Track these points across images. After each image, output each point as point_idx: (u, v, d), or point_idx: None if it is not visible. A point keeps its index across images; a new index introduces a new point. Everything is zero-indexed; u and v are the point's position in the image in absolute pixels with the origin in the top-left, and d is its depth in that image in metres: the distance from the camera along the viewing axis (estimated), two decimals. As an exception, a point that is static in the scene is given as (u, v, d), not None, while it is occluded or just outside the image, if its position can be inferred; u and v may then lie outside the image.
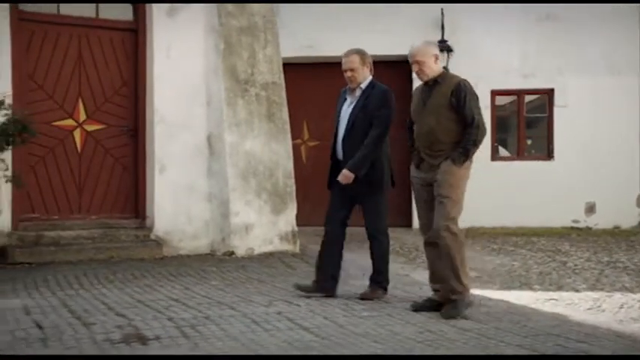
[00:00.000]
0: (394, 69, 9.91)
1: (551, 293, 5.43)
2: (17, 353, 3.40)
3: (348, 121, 4.86)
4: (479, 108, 4.46)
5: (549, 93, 10.12)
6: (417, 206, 4.73)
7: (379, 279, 4.96)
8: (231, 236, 6.75)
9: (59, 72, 6.74)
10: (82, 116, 6.83)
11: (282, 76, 7.36)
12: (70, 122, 6.77)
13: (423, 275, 6.22)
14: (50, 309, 4.36)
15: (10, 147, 5.95)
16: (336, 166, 4.96)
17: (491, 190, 9.89)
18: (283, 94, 7.33)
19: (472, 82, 9.85)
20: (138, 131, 6.98)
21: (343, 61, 4.94)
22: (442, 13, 9.89)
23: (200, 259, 6.66)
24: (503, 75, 10.09)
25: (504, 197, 9.85)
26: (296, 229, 7.25)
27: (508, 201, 9.84)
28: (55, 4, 6.73)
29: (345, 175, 4.78)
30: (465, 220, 9.55)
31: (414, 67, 4.55)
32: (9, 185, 6.23)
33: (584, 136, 10.00)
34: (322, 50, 9.48)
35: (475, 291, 5.37)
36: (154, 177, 6.84)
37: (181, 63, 6.92)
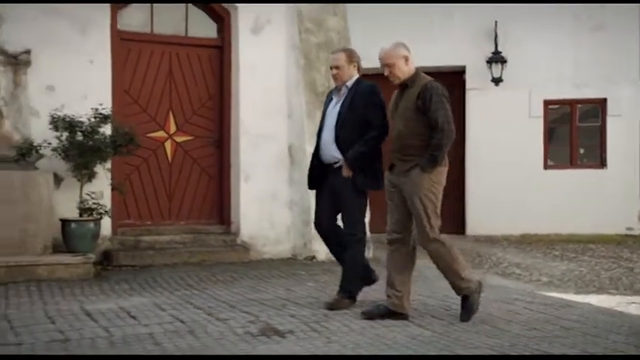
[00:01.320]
0: (447, 79, 10.22)
1: (629, 297, 5.68)
2: (175, 344, 3.80)
3: (337, 121, 4.77)
4: (446, 110, 4.31)
5: (602, 102, 10.41)
6: (387, 206, 4.56)
7: (348, 287, 4.77)
8: (312, 242, 7.14)
9: (152, 87, 7.22)
10: (173, 128, 7.31)
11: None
12: (161, 134, 7.24)
13: (497, 280, 6.57)
14: (179, 306, 4.77)
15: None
16: (318, 168, 4.85)
17: (545, 197, 10.20)
18: (357, 106, 7.71)
19: (525, 92, 10.47)
20: (223, 142, 7.43)
21: (330, 58, 4.99)
22: (496, 25, 10.23)
23: (285, 262, 7.07)
24: (555, 85, 10.41)
25: (557, 205, 10.14)
26: (369, 234, 7.61)
27: (561, 209, 10.13)
28: (149, 23, 7.23)
29: (346, 169, 4.68)
30: (519, 226, 10.07)
31: (385, 71, 4.47)
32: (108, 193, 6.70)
33: (637, 145, 10.27)
34: (376, 62, 9.86)
35: (554, 294, 5.71)
36: (239, 185, 7.28)
37: (264, 78, 7.34)
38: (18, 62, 6.39)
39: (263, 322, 4.31)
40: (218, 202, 7.43)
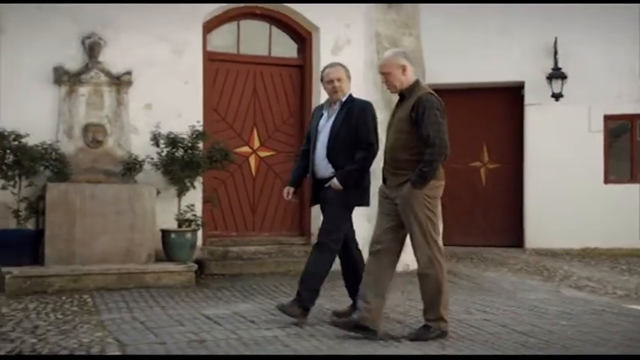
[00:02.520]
0: (506, 94, 10.51)
1: None
2: (301, 345, 4.11)
3: (330, 136, 4.73)
4: (438, 124, 4.14)
5: (662, 117, 10.53)
6: (377, 216, 4.48)
7: (302, 296, 4.69)
8: (393, 253, 7.41)
9: (238, 105, 7.61)
10: (256, 144, 7.68)
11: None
12: (246, 149, 7.61)
13: (573, 293, 6.74)
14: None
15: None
16: (314, 184, 4.85)
17: (605, 211, 10.30)
18: (430, 122, 8.00)
19: (585, 107, 10.57)
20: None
21: (328, 71, 4.90)
22: (555, 41, 10.43)
23: (365, 272, 7.35)
24: (616, 100, 10.56)
25: (618, 219, 10.24)
26: (443, 248, 7.85)
27: (622, 223, 10.22)
28: (236, 45, 7.64)
29: (336, 185, 4.67)
30: (579, 240, 10.19)
31: (382, 79, 4.42)
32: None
33: (698, 159, 10.36)
34: (436, 78, 10.12)
35: (635, 306, 5.88)
36: (321, 198, 7.59)
37: (342, 96, 7.66)
38: (120, 82, 6.83)
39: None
40: (298, 215, 7.77)
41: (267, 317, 4.90)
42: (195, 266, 6.31)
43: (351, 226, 4.93)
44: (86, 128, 6.67)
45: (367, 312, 4.27)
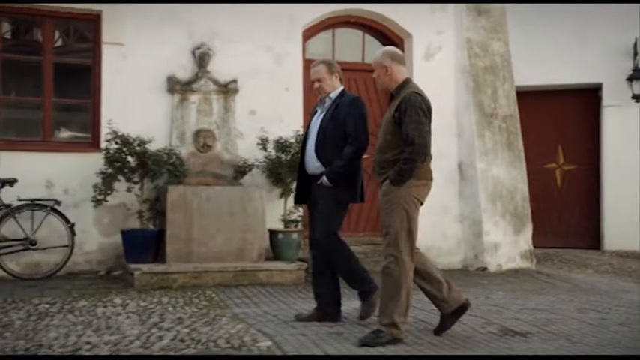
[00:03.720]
0: (582, 96, 10.54)
1: None
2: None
3: (318, 132, 4.70)
4: (419, 123, 4.07)
5: None
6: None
7: (362, 290, 4.74)
8: (483, 253, 7.63)
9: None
10: (351, 147, 7.98)
11: (517, 109, 8.21)
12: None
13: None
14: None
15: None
16: (303, 180, 4.81)
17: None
18: (518, 125, 8.18)
19: None
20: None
21: (311, 72, 4.84)
22: (636, 41, 10.40)
23: (459, 273, 7.56)
24: (696, 100, 10.48)
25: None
26: (532, 248, 8.02)
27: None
28: (331, 52, 7.94)
29: (325, 182, 4.63)
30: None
31: (374, 75, 4.38)
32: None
33: None
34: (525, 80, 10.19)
35: None
36: (414, 200, 7.84)
37: (434, 100, 7.76)
38: (228, 90, 7.22)
39: (497, 323, 4.82)
40: (389, 216, 8.02)
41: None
42: (305, 265, 6.63)
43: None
44: (197, 134, 7.08)
45: (443, 301, 4.32)
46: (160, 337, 4.24)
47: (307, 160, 4.76)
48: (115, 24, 6.94)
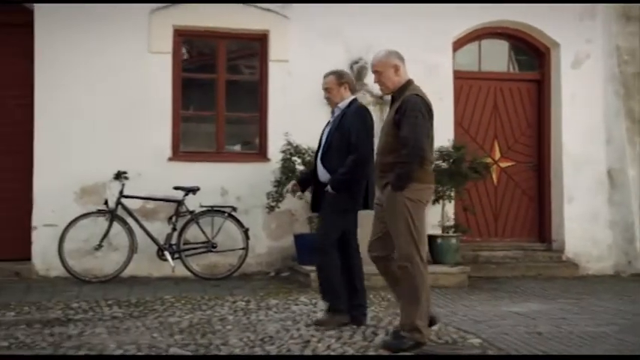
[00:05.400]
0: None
1: None
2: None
3: (325, 142, 4.79)
4: (416, 125, 3.99)
5: None
6: (372, 221, 4.37)
7: (329, 303, 4.75)
8: (638, 259, 7.64)
9: (479, 118, 8.17)
10: (497, 155, 8.18)
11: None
12: (488, 160, 8.13)
13: None
14: (579, 312, 5.52)
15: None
16: (317, 188, 4.85)
17: None
18: (666, 130, 8.14)
19: None
20: (542, 167, 8.18)
21: (322, 81, 4.92)
22: None
23: (613, 279, 7.63)
24: None
25: None
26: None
27: None
28: (477, 63, 8.18)
29: (329, 190, 4.68)
30: None
31: (374, 78, 4.31)
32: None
33: None
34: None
35: None
36: (563, 206, 7.96)
37: (583, 107, 8.00)
38: (383, 102, 7.57)
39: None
40: (538, 221, 8.17)
41: (574, 315, 5.34)
42: (468, 269, 6.89)
43: (354, 231, 4.84)
44: (356, 143, 7.47)
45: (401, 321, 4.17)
46: (374, 333, 4.60)
47: (317, 169, 4.85)
48: (281, 42, 7.46)
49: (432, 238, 7.14)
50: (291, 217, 7.34)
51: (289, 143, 6.99)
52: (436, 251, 7.12)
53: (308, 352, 4.14)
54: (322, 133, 4.94)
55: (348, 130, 4.66)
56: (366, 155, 4.60)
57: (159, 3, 7.22)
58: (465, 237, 7.79)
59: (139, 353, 4.09)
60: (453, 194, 7.32)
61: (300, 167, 6.98)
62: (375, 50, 7.53)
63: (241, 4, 7.39)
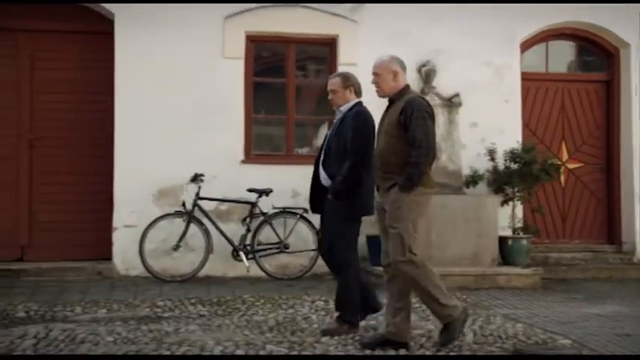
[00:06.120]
0: None
1: None
2: None
3: (326, 145, 4.77)
4: (426, 127, 4.05)
5: None
6: (379, 231, 4.36)
7: (343, 314, 4.66)
8: None
9: (547, 120, 8.17)
10: (565, 156, 8.16)
11: None
12: (555, 162, 8.10)
13: None
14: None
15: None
16: (319, 190, 4.79)
17: None
18: None
19: None
20: (610, 168, 8.13)
21: (328, 83, 4.88)
22: None
23: None
24: None
25: None
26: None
27: None
28: (544, 64, 8.16)
29: (329, 197, 4.62)
30: None
31: (372, 79, 4.36)
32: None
33: None
34: None
35: None
36: (634, 208, 7.89)
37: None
38: (452, 104, 7.64)
39: None
40: (607, 223, 8.11)
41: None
42: (541, 270, 6.89)
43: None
44: (424, 146, 7.54)
45: (395, 327, 4.22)
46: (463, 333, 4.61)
47: (320, 173, 4.81)
48: (350, 46, 7.58)
49: (502, 240, 7.16)
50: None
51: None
52: (507, 253, 7.14)
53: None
54: (325, 137, 4.94)
55: (345, 134, 4.63)
56: (365, 160, 4.52)
57: (232, 3, 7.34)
58: (533, 238, 7.81)
59: (238, 350, 4.24)
60: (529, 195, 7.34)
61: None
62: (443, 53, 7.71)
63: (311, 10, 7.54)
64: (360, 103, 4.78)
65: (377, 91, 4.37)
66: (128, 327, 4.87)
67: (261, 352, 4.19)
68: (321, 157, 4.78)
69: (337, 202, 4.57)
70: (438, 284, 4.15)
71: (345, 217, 4.60)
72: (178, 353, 4.15)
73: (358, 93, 4.82)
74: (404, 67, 4.36)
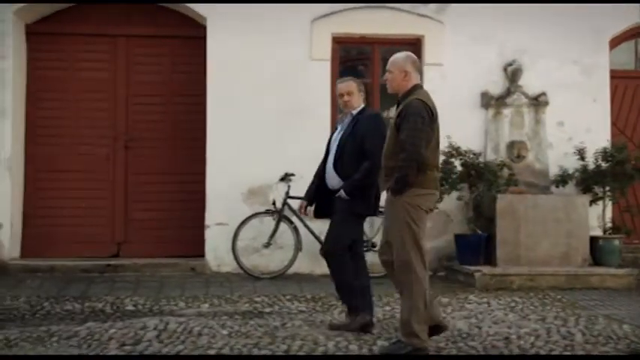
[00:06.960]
0: None
1: None
2: None
3: (337, 148, 4.80)
4: (415, 130, 3.98)
5: None
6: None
7: (352, 306, 4.73)
8: None
9: (636, 119, 8.02)
10: (650, 155, 8.01)
11: None
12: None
13: None
14: None
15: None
16: (324, 194, 4.89)
17: None
18: None
19: None
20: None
21: (339, 86, 4.93)
22: None
23: None
24: None
25: None
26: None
27: None
28: (634, 61, 8.02)
29: (342, 194, 4.69)
30: None
31: (385, 76, 4.32)
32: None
33: None
34: None
35: None
36: None
37: None
38: (538, 103, 7.59)
39: None
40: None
41: None
42: (636, 271, 6.79)
43: (361, 237, 4.95)
44: (511, 145, 7.53)
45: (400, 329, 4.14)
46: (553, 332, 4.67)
47: (327, 175, 4.89)
48: (436, 46, 7.61)
49: (593, 240, 7.08)
50: (446, 217, 7.47)
51: (450, 145, 7.13)
52: (598, 253, 7.05)
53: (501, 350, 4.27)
54: (330, 140, 5.00)
55: (362, 136, 4.73)
56: (379, 162, 4.54)
57: (320, 3, 7.47)
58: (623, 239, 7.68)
59: (351, 345, 4.35)
60: (623, 194, 7.25)
61: (459, 169, 7.14)
62: (529, 52, 7.66)
63: (396, 11, 7.61)
64: (367, 107, 4.95)
65: (387, 87, 4.36)
66: (237, 321, 5.04)
67: (373, 348, 4.30)
68: (332, 160, 4.84)
69: (350, 200, 4.69)
70: (422, 310, 4.03)
71: (356, 213, 4.77)
72: (295, 347, 4.29)
73: (365, 98, 4.98)
74: (418, 68, 4.33)
